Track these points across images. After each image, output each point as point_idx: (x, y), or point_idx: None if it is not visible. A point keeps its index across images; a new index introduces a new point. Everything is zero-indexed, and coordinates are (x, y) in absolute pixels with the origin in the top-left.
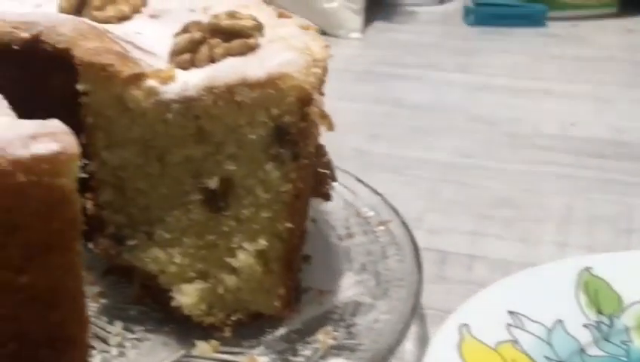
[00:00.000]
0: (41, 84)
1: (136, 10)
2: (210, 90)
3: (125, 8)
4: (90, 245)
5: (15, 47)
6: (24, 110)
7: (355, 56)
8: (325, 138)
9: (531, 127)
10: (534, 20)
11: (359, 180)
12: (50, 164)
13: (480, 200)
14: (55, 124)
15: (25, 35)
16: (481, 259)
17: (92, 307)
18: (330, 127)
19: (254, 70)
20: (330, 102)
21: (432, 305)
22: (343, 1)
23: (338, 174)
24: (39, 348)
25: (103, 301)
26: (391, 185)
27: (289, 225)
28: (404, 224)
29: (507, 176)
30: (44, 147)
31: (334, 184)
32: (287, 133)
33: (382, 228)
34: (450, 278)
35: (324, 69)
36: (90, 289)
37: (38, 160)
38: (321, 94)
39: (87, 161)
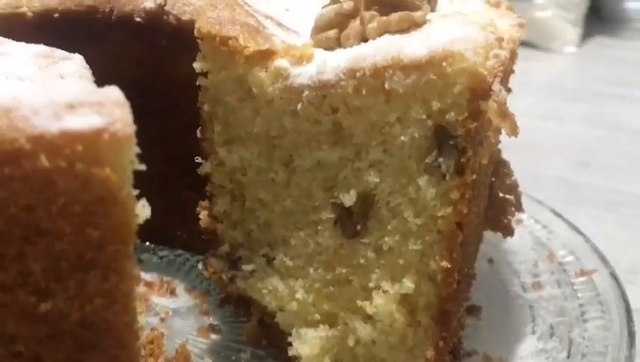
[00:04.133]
0: (167, 66)
1: None
2: (352, 73)
3: None
4: (200, 266)
5: (138, 20)
6: (144, 97)
7: (568, 72)
8: (520, 161)
9: None
10: None
11: (556, 213)
12: (87, 145)
13: None
14: (109, 91)
15: (149, 4)
16: None
17: (198, 343)
18: (513, 130)
19: (413, 47)
20: (534, 121)
21: None
22: (558, 9)
23: (531, 204)
24: None
25: (214, 336)
26: (601, 225)
27: (445, 264)
28: (614, 276)
29: None
30: (81, 121)
31: (521, 215)
32: (450, 135)
33: (582, 279)
34: None
35: (513, 54)
36: (201, 321)
37: (69, 138)
38: (506, 88)
39: (201, 160)
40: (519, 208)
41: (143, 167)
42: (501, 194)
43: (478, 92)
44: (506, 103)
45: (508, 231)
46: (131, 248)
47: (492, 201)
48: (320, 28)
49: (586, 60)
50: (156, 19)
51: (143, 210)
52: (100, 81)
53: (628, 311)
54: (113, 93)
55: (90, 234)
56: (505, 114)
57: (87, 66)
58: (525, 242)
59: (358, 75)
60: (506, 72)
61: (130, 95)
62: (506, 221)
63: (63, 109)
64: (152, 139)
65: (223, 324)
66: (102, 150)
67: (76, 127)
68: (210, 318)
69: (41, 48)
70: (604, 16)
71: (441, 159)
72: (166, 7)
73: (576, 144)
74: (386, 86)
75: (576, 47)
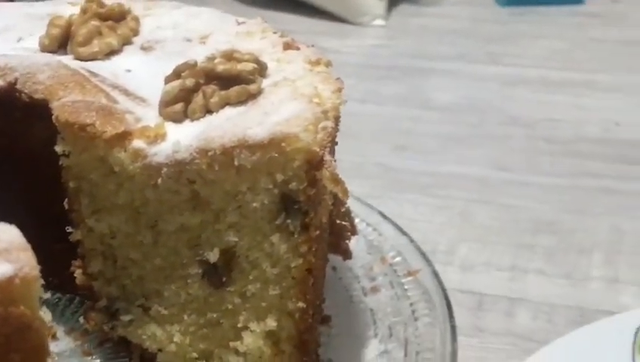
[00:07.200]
0: (21, 133)
1: (126, 42)
2: (204, 152)
3: (113, 41)
4: (82, 319)
5: None
6: (6, 160)
7: (378, 48)
8: (344, 150)
9: (571, 130)
10: None
11: (384, 216)
12: (3, 291)
13: (520, 225)
14: (11, 235)
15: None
16: (522, 303)
17: None
18: (345, 194)
19: (255, 128)
20: (353, 105)
21: None
22: None
23: (361, 208)
24: None
25: None
26: (420, 210)
27: (301, 304)
28: (436, 274)
29: (547, 193)
30: None
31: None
32: (294, 201)
33: (410, 278)
34: (488, 329)
35: (336, 119)
36: None
37: None
38: (333, 151)
39: (71, 230)
40: (354, 232)
41: (48, 295)
42: (338, 221)
43: (313, 164)
44: (336, 170)
45: (347, 255)
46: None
47: (331, 228)
48: (167, 103)
49: (393, 33)
50: (8, 96)
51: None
52: None
53: (449, 307)
54: (16, 238)
55: (12, 357)
56: (336, 180)
57: None
58: (361, 246)
59: (209, 153)
60: (333, 138)
61: None
62: (344, 245)
63: None
64: (20, 197)
65: None
66: (15, 293)
67: None
68: (94, 357)
69: None
70: None
71: (289, 221)
72: (17, 86)
73: (392, 127)
74: (235, 162)
75: (384, 19)
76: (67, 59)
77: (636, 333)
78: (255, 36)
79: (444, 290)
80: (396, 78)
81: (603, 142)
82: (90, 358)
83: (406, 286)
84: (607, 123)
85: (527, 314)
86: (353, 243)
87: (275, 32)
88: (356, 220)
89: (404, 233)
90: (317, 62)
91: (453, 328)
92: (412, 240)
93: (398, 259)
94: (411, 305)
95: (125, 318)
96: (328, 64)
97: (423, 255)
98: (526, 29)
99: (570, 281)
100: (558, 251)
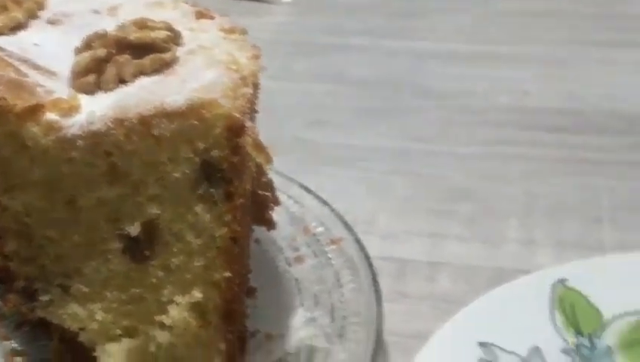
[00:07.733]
0: None
1: (32, 16)
2: (120, 122)
3: (19, 15)
4: None
5: None
6: None
7: (287, 25)
8: (260, 126)
9: (483, 100)
10: None
11: (305, 188)
12: None
13: (437, 193)
14: None
15: None
16: (443, 267)
17: None
18: (268, 160)
19: (173, 96)
20: (266, 82)
21: (394, 329)
22: None
23: (281, 178)
24: None
25: (18, 359)
26: (338, 182)
27: (227, 274)
28: (358, 241)
29: (463, 161)
30: None
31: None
32: (217, 169)
33: (333, 247)
34: (411, 294)
35: (256, 86)
36: (3, 347)
37: None
38: (253, 119)
39: None
40: (276, 202)
41: None
42: (260, 192)
43: (234, 130)
44: (258, 136)
45: (271, 225)
46: None
47: (254, 199)
48: (78, 74)
49: (302, 9)
50: None
51: None
52: None
53: (373, 272)
54: None
55: None
56: (259, 147)
57: None
58: (283, 218)
59: (126, 123)
60: (253, 105)
61: None
62: (267, 215)
63: None
64: None
65: (24, 346)
66: None
67: None
68: (12, 342)
69: None
70: None
71: (212, 190)
72: None
73: (306, 102)
74: (154, 132)
75: None
76: None
77: (553, 289)
78: (166, 7)
79: (367, 257)
80: (307, 55)
81: (514, 111)
82: (8, 342)
83: (330, 255)
84: (516, 93)
85: (447, 278)
86: (275, 216)
87: (186, 3)
88: (277, 193)
89: (326, 203)
90: (232, 31)
91: (377, 292)
92: (333, 210)
93: (320, 228)
94: (336, 272)
95: (44, 298)
96: (243, 32)
97: (345, 224)
98: (434, 4)
99: (488, 245)
100: (476, 217)
